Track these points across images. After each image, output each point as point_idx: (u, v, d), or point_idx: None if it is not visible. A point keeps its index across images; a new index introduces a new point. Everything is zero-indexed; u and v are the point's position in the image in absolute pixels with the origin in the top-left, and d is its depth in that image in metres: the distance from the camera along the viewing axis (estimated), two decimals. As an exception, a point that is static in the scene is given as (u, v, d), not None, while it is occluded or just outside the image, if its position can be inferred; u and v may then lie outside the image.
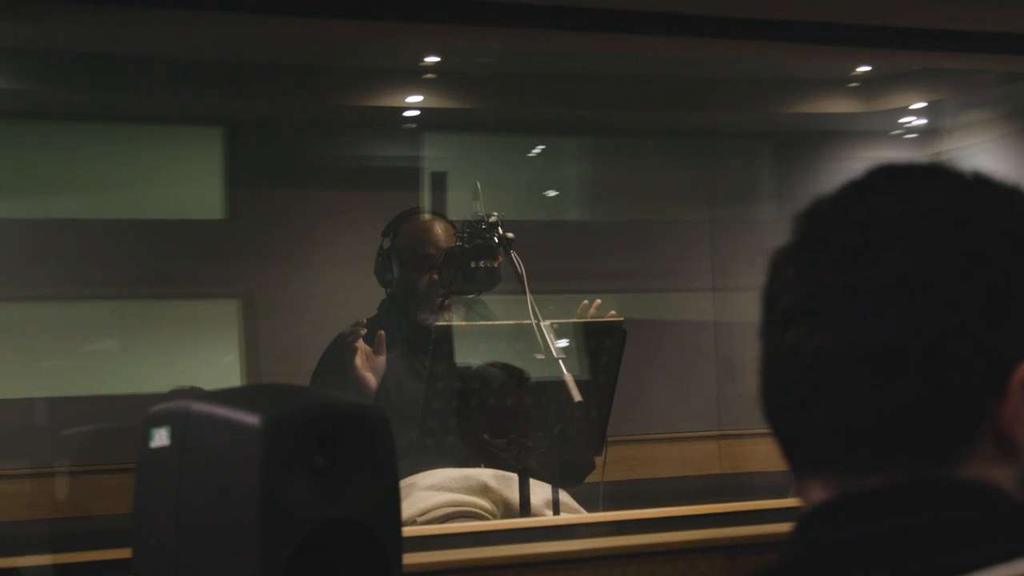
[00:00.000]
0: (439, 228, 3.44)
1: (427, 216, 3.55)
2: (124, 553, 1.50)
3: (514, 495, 2.76)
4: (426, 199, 4.43)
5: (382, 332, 3.24)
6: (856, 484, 0.94)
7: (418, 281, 3.37)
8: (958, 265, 0.92)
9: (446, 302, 3.30)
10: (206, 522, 1.39)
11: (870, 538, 0.91)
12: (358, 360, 3.21)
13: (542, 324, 2.92)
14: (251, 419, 1.35)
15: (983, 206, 0.96)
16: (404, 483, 2.78)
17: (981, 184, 0.98)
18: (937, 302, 0.91)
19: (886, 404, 0.92)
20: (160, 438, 1.42)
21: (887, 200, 0.95)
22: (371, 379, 3.21)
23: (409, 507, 2.68)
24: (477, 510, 2.73)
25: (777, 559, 0.95)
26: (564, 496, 2.87)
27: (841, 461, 0.94)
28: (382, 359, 3.24)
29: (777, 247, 0.98)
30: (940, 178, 0.98)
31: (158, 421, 1.43)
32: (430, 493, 2.73)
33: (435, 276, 3.31)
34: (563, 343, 2.93)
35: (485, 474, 2.82)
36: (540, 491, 2.81)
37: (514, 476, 2.78)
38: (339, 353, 3.26)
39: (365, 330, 3.25)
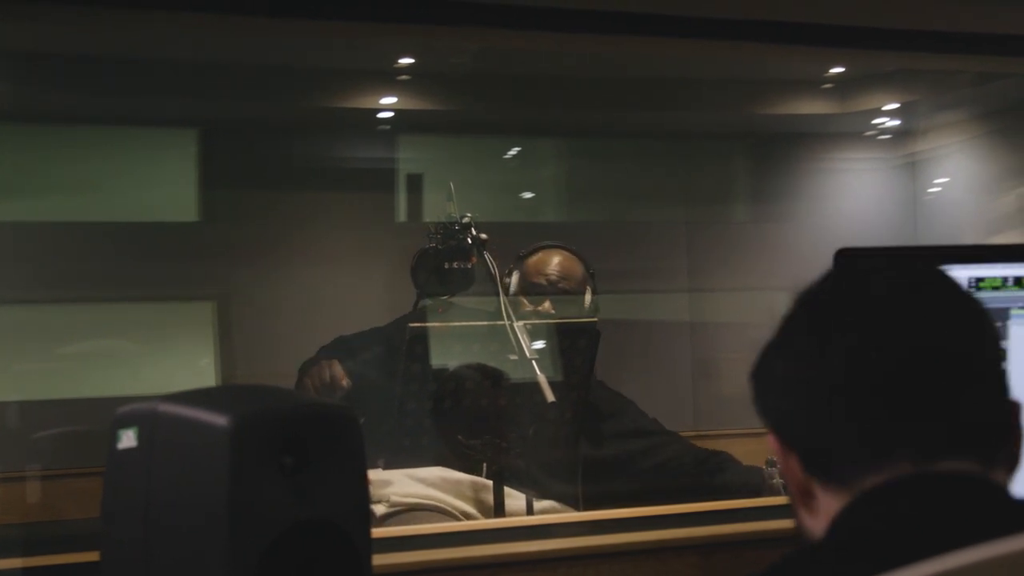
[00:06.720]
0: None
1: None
2: (94, 556, 1.48)
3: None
4: (402, 201, 4.42)
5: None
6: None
7: None
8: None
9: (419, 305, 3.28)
10: (175, 524, 1.37)
11: (890, 523, 1.05)
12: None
13: (515, 325, 2.92)
14: (219, 419, 1.34)
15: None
16: (393, 472, 2.79)
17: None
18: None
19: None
20: (127, 439, 1.40)
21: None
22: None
23: (389, 488, 2.68)
24: (454, 511, 2.72)
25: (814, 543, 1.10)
26: (551, 505, 2.88)
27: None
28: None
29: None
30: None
31: (125, 422, 1.41)
32: (414, 482, 2.73)
33: None
34: (537, 344, 2.93)
35: (477, 482, 2.82)
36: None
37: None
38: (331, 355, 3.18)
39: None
